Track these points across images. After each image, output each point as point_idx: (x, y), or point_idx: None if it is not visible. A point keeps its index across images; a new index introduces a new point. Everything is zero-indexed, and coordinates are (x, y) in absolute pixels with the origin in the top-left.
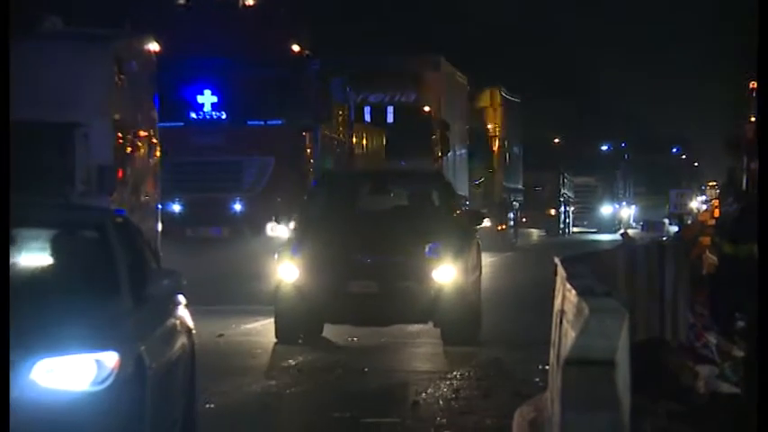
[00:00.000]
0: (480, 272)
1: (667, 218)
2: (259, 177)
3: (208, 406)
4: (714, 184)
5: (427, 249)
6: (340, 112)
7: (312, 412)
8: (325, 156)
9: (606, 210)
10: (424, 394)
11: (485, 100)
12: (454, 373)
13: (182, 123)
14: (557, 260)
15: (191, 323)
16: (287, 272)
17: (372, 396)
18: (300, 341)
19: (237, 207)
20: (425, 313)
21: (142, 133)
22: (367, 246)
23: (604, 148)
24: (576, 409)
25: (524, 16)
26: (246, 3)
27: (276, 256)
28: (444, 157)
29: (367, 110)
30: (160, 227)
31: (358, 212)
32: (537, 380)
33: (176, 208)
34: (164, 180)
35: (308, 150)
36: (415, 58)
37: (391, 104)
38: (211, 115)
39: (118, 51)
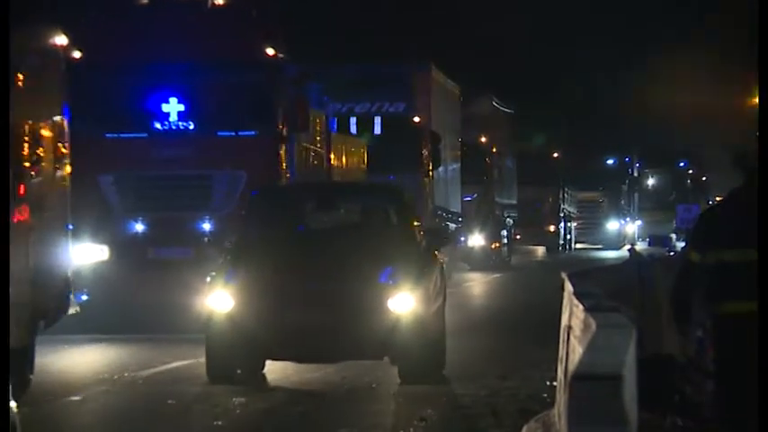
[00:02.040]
0: (444, 299)
1: (674, 233)
2: (230, 193)
3: None
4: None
5: (382, 275)
6: (318, 122)
7: (316, 429)
8: (302, 169)
9: (612, 225)
10: (431, 411)
11: (477, 111)
12: (461, 389)
13: (145, 134)
14: (564, 275)
15: None
16: (220, 301)
17: (379, 413)
18: (235, 381)
19: (206, 226)
20: (380, 348)
21: (44, 141)
22: (312, 271)
23: (610, 162)
24: (583, 425)
25: (522, 25)
26: (216, 2)
27: (208, 281)
28: (435, 171)
29: (353, 121)
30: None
31: (302, 232)
32: (544, 395)
33: (138, 227)
34: (125, 196)
35: (284, 164)
36: (404, 66)
37: (379, 115)
38: (178, 125)
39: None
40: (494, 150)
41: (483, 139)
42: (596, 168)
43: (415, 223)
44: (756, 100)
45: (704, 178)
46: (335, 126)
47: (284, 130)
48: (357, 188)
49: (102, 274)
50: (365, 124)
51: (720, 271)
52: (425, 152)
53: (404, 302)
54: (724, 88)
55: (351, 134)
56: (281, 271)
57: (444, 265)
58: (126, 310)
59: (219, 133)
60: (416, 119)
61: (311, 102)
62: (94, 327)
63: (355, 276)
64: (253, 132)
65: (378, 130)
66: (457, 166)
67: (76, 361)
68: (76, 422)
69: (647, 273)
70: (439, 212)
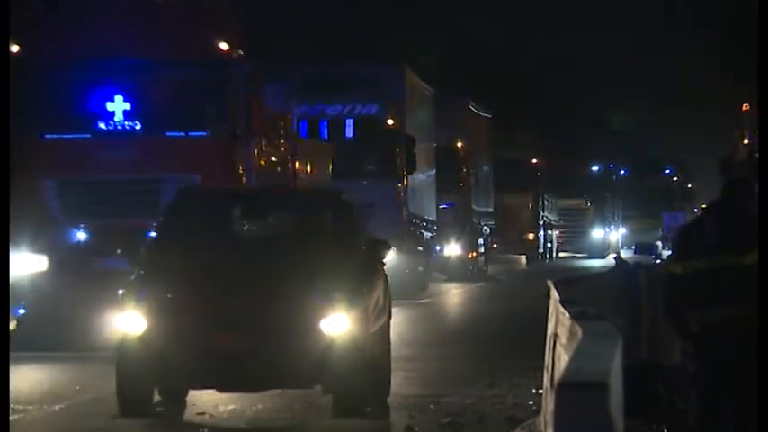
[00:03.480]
0: (389, 319)
1: (660, 241)
2: None
3: None
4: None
5: (314, 292)
6: (281, 123)
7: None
8: (262, 173)
9: (597, 233)
10: (417, 419)
11: (453, 115)
12: (448, 397)
13: (88, 135)
14: (550, 283)
15: None
16: (130, 322)
17: (365, 420)
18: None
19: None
20: (310, 375)
21: None
22: (236, 287)
23: (595, 168)
24: None
25: (501, 27)
26: None
27: (119, 298)
28: (410, 177)
29: (323, 123)
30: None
31: (226, 244)
32: (530, 403)
33: (80, 236)
34: (66, 202)
35: (240, 167)
36: (378, 67)
37: (351, 117)
38: (123, 125)
39: None
40: (470, 156)
41: (459, 144)
42: (580, 175)
43: (356, 233)
44: (746, 107)
45: (690, 186)
46: (306, 129)
47: (238, 131)
48: (292, 194)
49: (40, 287)
50: (336, 127)
51: (698, 279)
52: (400, 156)
53: (338, 323)
54: (712, 95)
55: (318, 138)
56: (200, 288)
57: (388, 279)
58: (66, 325)
59: (168, 134)
60: (390, 121)
61: (274, 102)
62: (30, 344)
63: (284, 294)
64: (204, 133)
65: (350, 133)
66: (432, 172)
67: None
68: None
69: (632, 280)
70: (413, 220)
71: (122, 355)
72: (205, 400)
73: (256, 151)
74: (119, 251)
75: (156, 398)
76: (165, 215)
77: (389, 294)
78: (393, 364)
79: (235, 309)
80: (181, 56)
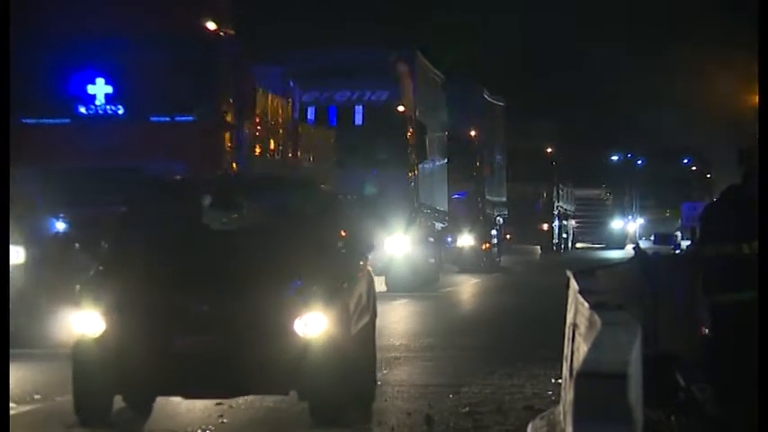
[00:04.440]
0: (373, 318)
1: (679, 231)
2: None
3: None
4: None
5: (288, 289)
6: (279, 109)
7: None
8: (256, 161)
9: (616, 224)
10: (436, 408)
11: (466, 103)
12: (467, 386)
13: (67, 120)
14: (569, 273)
15: None
16: (87, 323)
17: (384, 410)
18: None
19: None
20: (285, 381)
21: None
22: (203, 285)
23: (615, 158)
24: (588, 422)
25: (519, 13)
26: None
27: (76, 295)
28: (421, 166)
29: (332, 110)
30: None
31: (192, 237)
32: (549, 393)
33: (60, 226)
34: (44, 191)
35: (229, 154)
36: (387, 52)
37: (360, 104)
38: (105, 109)
39: None
40: (483, 145)
41: (472, 133)
42: (598, 164)
43: (336, 225)
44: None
45: (709, 175)
46: (314, 116)
47: (228, 116)
48: (267, 182)
49: (16, 280)
50: (345, 114)
51: (718, 263)
52: (410, 144)
53: (315, 323)
54: (731, 84)
55: (327, 125)
56: (163, 285)
57: (372, 275)
58: (43, 320)
59: (152, 118)
60: (400, 108)
61: (271, 86)
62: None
63: (255, 292)
64: (191, 118)
65: (359, 120)
66: (444, 161)
67: None
68: None
69: (651, 270)
70: (425, 210)
71: (79, 359)
72: (171, 408)
73: (249, 137)
74: (77, 245)
75: (121, 405)
76: (128, 206)
77: (374, 293)
78: (410, 354)
79: (200, 308)
80: (165, 35)
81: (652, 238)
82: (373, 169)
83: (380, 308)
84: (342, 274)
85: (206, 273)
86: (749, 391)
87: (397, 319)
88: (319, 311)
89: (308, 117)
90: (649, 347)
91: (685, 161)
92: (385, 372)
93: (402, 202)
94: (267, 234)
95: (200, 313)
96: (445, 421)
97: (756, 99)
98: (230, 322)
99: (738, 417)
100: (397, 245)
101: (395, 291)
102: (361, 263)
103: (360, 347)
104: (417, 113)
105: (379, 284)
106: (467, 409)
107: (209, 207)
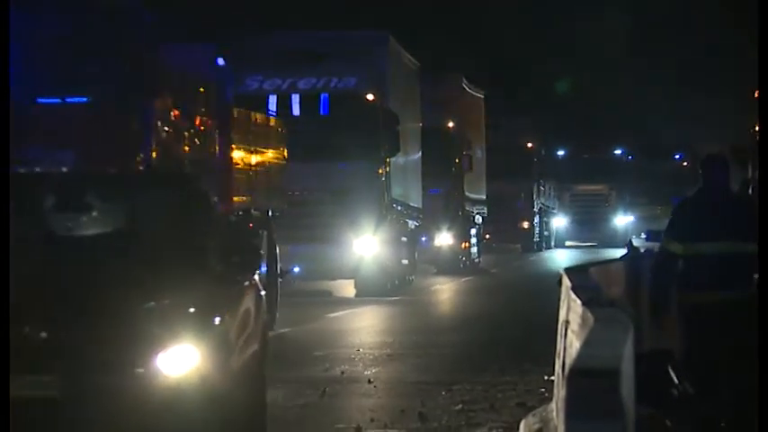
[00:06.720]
0: (263, 350)
1: None
2: None
3: None
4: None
5: (149, 316)
6: (202, 91)
7: (315, 423)
8: (169, 153)
9: (609, 221)
10: (429, 406)
11: (444, 92)
12: (459, 384)
13: None
14: (562, 270)
15: None
16: None
17: (378, 408)
18: None
19: None
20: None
21: None
22: (42, 310)
23: (618, 152)
24: (580, 419)
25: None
26: None
27: None
28: (393, 159)
29: (294, 98)
30: None
31: (31, 248)
32: (542, 390)
33: None
34: None
35: (130, 143)
36: (357, 34)
37: (326, 91)
38: None
39: None
40: (462, 138)
41: (450, 125)
42: (592, 160)
43: (214, 232)
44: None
45: (701, 171)
46: (275, 105)
47: (129, 97)
48: (123, 180)
49: None
50: (309, 102)
51: (695, 262)
52: (381, 136)
53: (183, 358)
54: (723, 80)
55: (262, 111)
56: None
57: (259, 292)
58: None
59: (40, 100)
60: (370, 96)
61: (198, 67)
62: None
63: (106, 319)
64: (84, 99)
65: (324, 109)
66: (418, 154)
67: None
68: None
69: (642, 267)
70: (397, 207)
71: None
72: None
73: (159, 124)
74: None
75: None
76: None
77: (263, 317)
78: (401, 352)
79: (33, 343)
80: (54, 4)
81: (643, 235)
82: (340, 163)
83: (345, 313)
84: (215, 291)
85: (47, 294)
86: (723, 387)
87: (366, 325)
88: (188, 343)
89: (269, 106)
90: (642, 344)
91: (677, 157)
92: (379, 370)
93: (371, 199)
94: (123, 244)
95: (41, 347)
96: (438, 418)
97: (750, 95)
98: (77, 359)
99: (720, 411)
100: (365, 245)
101: (365, 295)
102: (246, 279)
103: (243, 385)
104: (389, 103)
105: (348, 289)
106: (460, 406)
107: (53, 211)
